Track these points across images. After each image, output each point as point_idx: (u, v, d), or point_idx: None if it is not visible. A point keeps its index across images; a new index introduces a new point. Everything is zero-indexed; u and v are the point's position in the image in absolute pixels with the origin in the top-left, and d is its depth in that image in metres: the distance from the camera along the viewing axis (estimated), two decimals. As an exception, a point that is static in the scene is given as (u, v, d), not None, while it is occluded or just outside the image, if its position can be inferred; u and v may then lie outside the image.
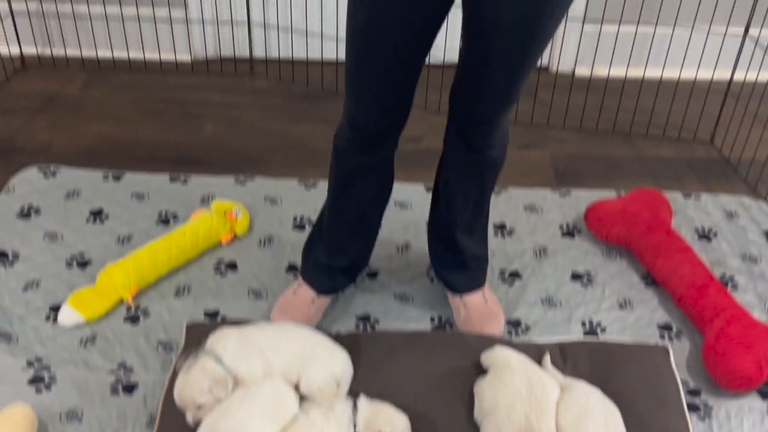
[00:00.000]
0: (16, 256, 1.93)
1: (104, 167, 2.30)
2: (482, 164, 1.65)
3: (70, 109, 2.58)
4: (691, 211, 2.17)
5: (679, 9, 2.51)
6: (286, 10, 2.76)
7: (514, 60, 1.45)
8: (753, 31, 2.49)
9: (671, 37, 2.57)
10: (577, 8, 2.69)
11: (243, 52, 2.88)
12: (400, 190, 2.20)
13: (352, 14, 1.46)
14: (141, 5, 2.74)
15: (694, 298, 1.78)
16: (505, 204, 2.20)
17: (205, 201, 2.15)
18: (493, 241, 2.06)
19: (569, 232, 2.11)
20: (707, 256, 2.03)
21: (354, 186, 1.71)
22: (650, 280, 1.95)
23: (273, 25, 2.80)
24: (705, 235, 2.10)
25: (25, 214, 2.06)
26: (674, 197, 2.22)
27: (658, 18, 2.56)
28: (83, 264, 1.92)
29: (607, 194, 2.23)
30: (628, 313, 1.86)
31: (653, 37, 2.62)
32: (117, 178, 2.21)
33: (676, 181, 2.37)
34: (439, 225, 1.79)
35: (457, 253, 1.78)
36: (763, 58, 2.51)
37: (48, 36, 2.81)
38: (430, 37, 1.49)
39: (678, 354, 1.76)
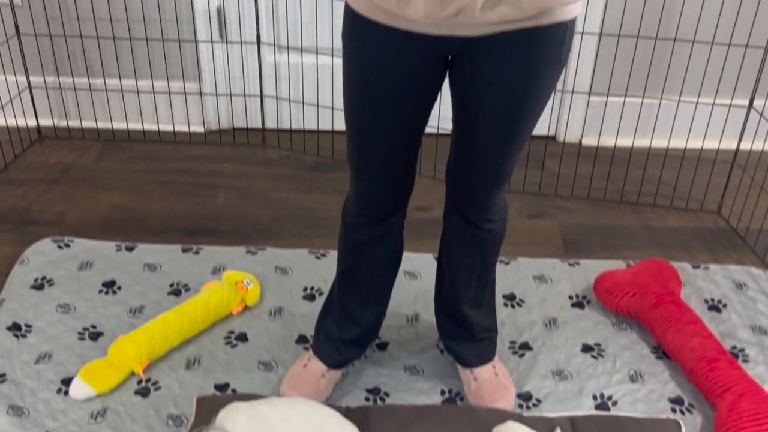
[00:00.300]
0: (29, 328, 1.95)
1: (117, 238, 2.33)
2: (482, 238, 1.67)
3: (85, 180, 2.62)
4: (700, 282, 2.18)
5: (684, 81, 2.55)
6: (298, 84, 2.82)
7: (502, 139, 1.48)
8: (758, 102, 2.53)
9: (677, 108, 2.61)
10: (583, 81, 2.74)
11: (255, 122, 2.94)
12: (410, 259, 2.22)
13: (347, 92, 1.50)
14: (156, 78, 2.81)
15: (705, 372, 1.78)
16: (515, 274, 2.21)
17: (217, 271, 2.17)
18: (503, 312, 2.07)
19: (579, 303, 2.11)
20: (717, 327, 2.02)
21: (364, 257, 1.73)
22: (661, 352, 1.95)
23: (285, 98, 2.85)
24: (714, 306, 2.10)
25: (39, 285, 2.08)
26: (683, 267, 2.22)
27: (663, 90, 2.61)
28: (95, 336, 1.94)
29: (616, 264, 2.24)
30: (640, 386, 1.86)
31: (659, 108, 2.66)
32: (130, 249, 2.24)
33: (685, 251, 2.38)
34: (445, 299, 1.80)
35: (465, 326, 1.79)
36: (768, 129, 2.55)
37: (64, 108, 2.87)
38: (425, 111, 1.52)
39: (690, 428, 1.75)
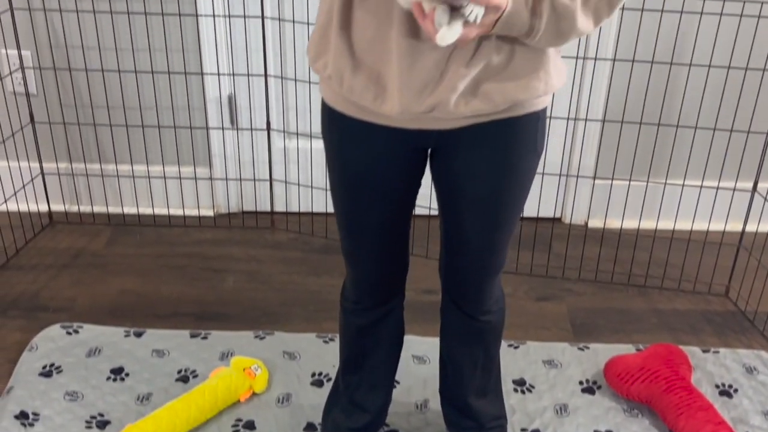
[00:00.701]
0: (36, 416, 1.94)
1: (127, 323, 2.34)
2: (481, 330, 1.67)
3: (95, 264, 2.64)
4: (711, 366, 2.16)
5: (687, 165, 2.59)
6: (307, 168, 2.87)
7: (487, 229, 1.50)
8: (762, 185, 2.55)
9: (681, 191, 2.63)
10: (588, 165, 2.77)
11: (264, 206, 2.97)
12: (417, 343, 2.21)
13: (332, 184, 1.53)
14: (167, 164, 2.85)
15: (719, 460, 1.76)
16: (524, 359, 2.20)
17: (225, 357, 2.17)
18: (513, 398, 2.05)
19: (589, 388, 2.10)
20: (728, 413, 2.00)
21: (366, 342, 1.73)
22: (673, 439, 1.92)
23: (294, 182, 2.89)
24: (725, 392, 2.08)
25: (47, 372, 2.08)
26: (692, 351, 2.21)
27: (667, 174, 2.64)
28: (102, 424, 1.93)
29: (625, 348, 2.24)
30: (653, 474, 1.83)
31: (663, 191, 2.69)
32: (138, 335, 2.24)
33: (694, 334, 2.37)
34: (450, 392, 1.79)
35: (473, 417, 1.77)
36: (772, 212, 2.57)
37: (76, 193, 2.91)
38: (410, 198, 1.55)
39: None
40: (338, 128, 1.46)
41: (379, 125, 1.38)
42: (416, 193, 1.55)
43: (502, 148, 1.40)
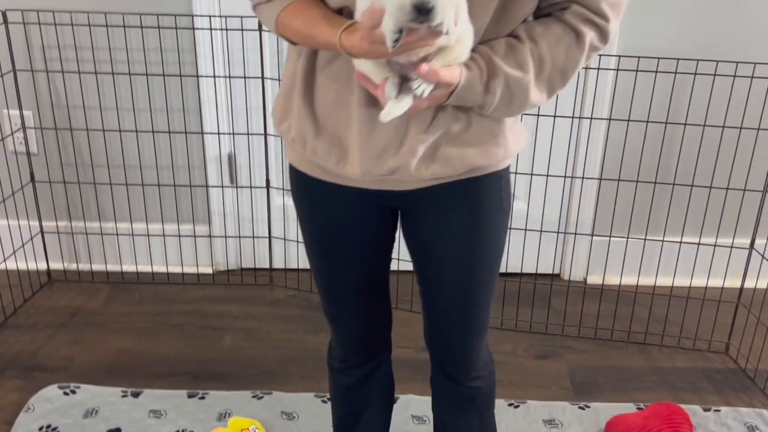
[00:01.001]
0: (31, 480, 1.92)
1: (124, 383, 2.32)
2: (471, 397, 1.65)
3: (93, 323, 2.63)
4: (712, 425, 2.15)
5: (684, 222, 2.60)
6: (305, 225, 2.88)
7: (463, 289, 1.50)
8: (759, 242, 2.56)
9: (679, 248, 2.64)
10: (585, 221, 2.79)
11: (263, 263, 2.98)
12: (417, 403, 2.20)
13: (306, 247, 1.55)
14: (167, 222, 2.86)
15: None
16: (525, 419, 2.18)
17: (223, 418, 2.15)
18: (513, 460, 2.03)
19: (590, 449, 2.08)
20: (733, 474, 1.98)
21: (357, 399, 1.72)
22: (676, 501, 1.90)
23: (293, 239, 2.90)
24: (729, 452, 2.06)
25: (43, 434, 2.06)
26: (693, 410, 2.20)
27: (665, 231, 2.65)
28: (98, 488, 1.90)
29: (626, 407, 2.22)
30: None
31: (661, 248, 2.70)
32: (135, 395, 2.22)
33: (694, 392, 2.35)
34: None
35: None
36: (770, 269, 2.58)
37: (75, 252, 2.92)
38: (384, 254, 1.56)
39: None
40: (305, 190, 1.48)
41: (344, 186, 1.41)
42: (389, 251, 1.57)
43: (467, 208, 1.42)
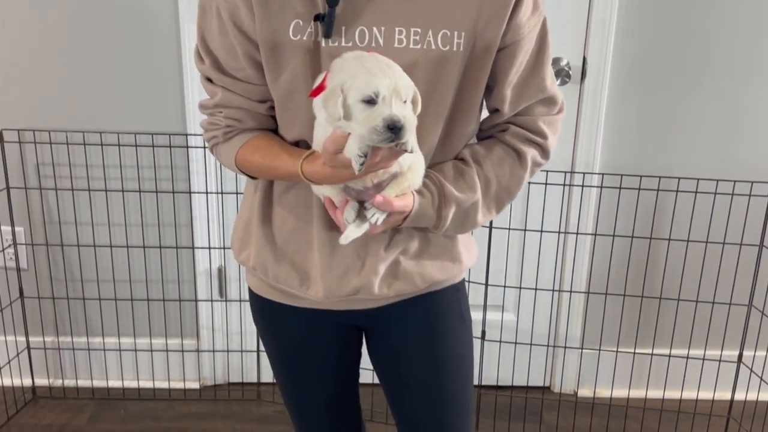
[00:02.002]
0: None
1: (108, 507, 2.26)
2: None
3: (78, 442, 2.58)
4: None
5: (672, 335, 2.62)
6: (294, 339, 2.87)
7: (435, 409, 1.49)
8: (748, 353, 2.58)
9: (668, 361, 2.65)
10: (574, 335, 2.80)
11: (251, 377, 2.95)
12: None
13: (273, 368, 1.58)
14: (155, 336, 2.85)
15: None
16: None
17: None
18: None
19: None
20: None
21: None
22: None
23: (281, 353, 2.89)
24: None
25: None
26: None
27: (653, 344, 2.66)
28: None
29: None
30: None
31: (651, 360, 2.70)
32: None
33: None
34: None
35: None
36: (760, 384, 2.58)
37: (61, 368, 2.88)
38: (351, 371, 1.58)
39: None
40: (268, 315, 1.51)
41: (308, 309, 1.45)
42: (357, 368, 1.60)
43: (429, 320, 1.47)
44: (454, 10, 1.26)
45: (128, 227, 2.72)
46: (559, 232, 2.62)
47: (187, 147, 2.62)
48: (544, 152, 1.41)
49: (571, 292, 2.71)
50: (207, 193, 2.68)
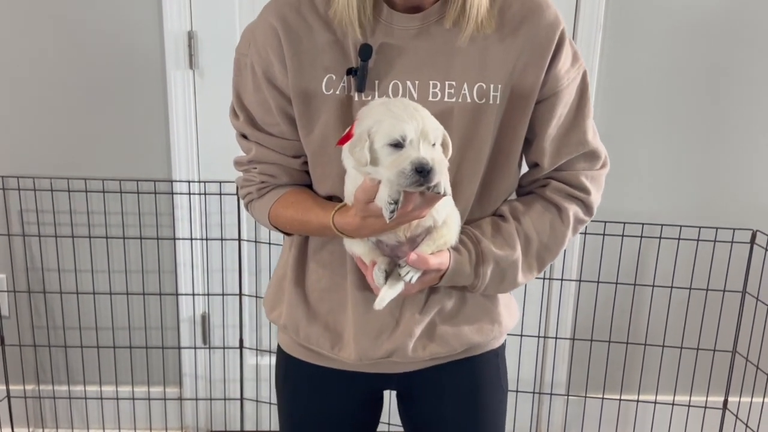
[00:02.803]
0: None
1: None
2: None
3: (57, 494, 2.53)
4: None
5: (658, 382, 2.62)
6: (279, 386, 2.85)
7: None
8: (733, 399, 2.59)
9: (654, 407, 2.65)
10: (560, 382, 2.79)
11: (234, 425, 2.91)
12: None
13: (285, 424, 1.52)
14: (137, 384, 2.81)
15: None
16: None
17: None
18: None
19: None
20: None
21: None
22: None
23: (265, 400, 2.86)
24: None
25: None
26: None
27: (639, 389, 2.66)
28: None
29: None
30: None
31: (637, 407, 2.70)
32: None
33: None
34: None
35: None
36: (746, 430, 2.58)
37: (41, 416, 2.84)
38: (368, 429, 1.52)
39: None
40: (297, 375, 1.46)
41: (338, 370, 1.41)
42: (375, 429, 1.54)
43: (467, 389, 1.42)
44: (489, 63, 1.25)
45: (112, 274, 2.70)
46: (543, 278, 2.63)
47: (173, 193, 2.62)
48: (587, 208, 1.36)
49: (556, 338, 2.71)
50: (192, 239, 2.68)
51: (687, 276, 2.53)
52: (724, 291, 2.50)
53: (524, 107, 1.27)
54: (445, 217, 1.23)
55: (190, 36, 2.49)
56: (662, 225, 2.45)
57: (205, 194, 2.62)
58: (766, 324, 2.47)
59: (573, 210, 1.34)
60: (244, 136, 1.36)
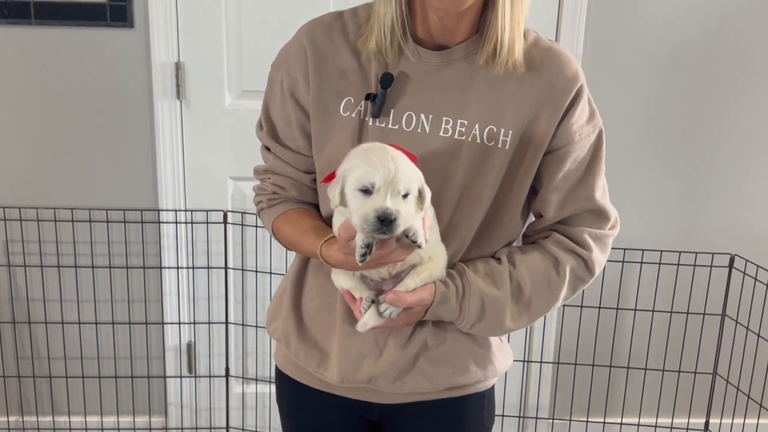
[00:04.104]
0: None
1: None
2: None
3: None
4: None
5: (641, 404, 2.66)
6: (265, 413, 2.85)
7: None
8: (714, 421, 2.63)
9: (637, 429, 2.69)
10: (544, 405, 2.82)
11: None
12: None
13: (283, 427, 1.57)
14: (122, 414, 2.80)
15: None
16: None
17: None
18: None
19: None
20: None
21: None
22: None
23: (251, 428, 2.86)
24: None
25: None
26: None
27: (623, 412, 2.70)
28: None
29: None
30: None
31: (620, 429, 2.74)
32: None
33: None
34: None
35: None
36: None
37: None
38: None
39: None
40: (287, 392, 1.51)
41: (324, 392, 1.44)
42: None
43: (449, 429, 1.43)
44: (504, 108, 1.28)
45: (97, 303, 2.69)
46: (528, 304, 2.66)
47: (159, 222, 2.63)
48: (587, 266, 1.35)
49: (541, 362, 2.75)
50: (178, 268, 2.68)
51: (668, 300, 2.58)
52: (704, 314, 2.55)
53: (533, 156, 1.30)
54: (431, 253, 1.26)
55: (178, 66, 2.51)
56: (643, 250, 2.50)
57: (192, 223, 2.63)
58: (745, 346, 2.52)
59: (570, 264, 1.33)
60: (267, 148, 1.43)
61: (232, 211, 2.59)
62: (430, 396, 1.39)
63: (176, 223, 2.62)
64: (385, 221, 1.10)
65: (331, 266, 1.28)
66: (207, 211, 2.59)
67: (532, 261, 1.34)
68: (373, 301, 1.27)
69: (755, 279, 2.43)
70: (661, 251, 2.50)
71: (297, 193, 1.41)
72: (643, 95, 2.58)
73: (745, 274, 2.47)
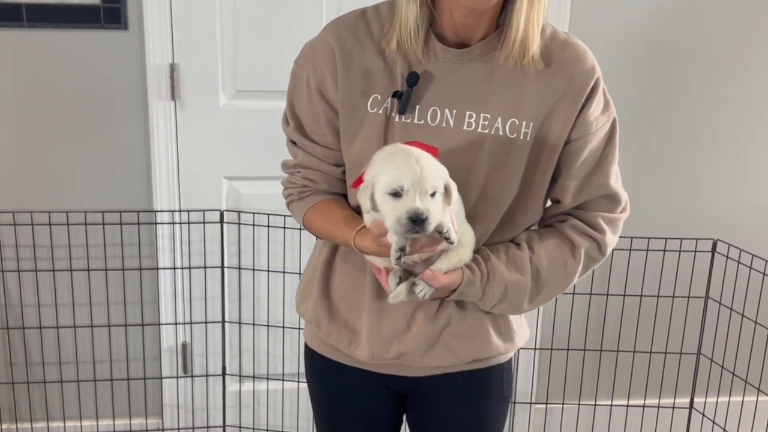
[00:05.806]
0: None
1: None
2: None
3: None
4: None
5: (630, 385, 2.77)
6: (262, 411, 2.86)
7: None
8: (699, 400, 2.74)
9: (626, 410, 2.79)
10: (539, 389, 2.90)
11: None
12: None
13: (316, 421, 1.64)
14: (118, 417, 2.78)
15: None
16: None
17: None
18: None
19: None
20: None
21: None
22: None
23: (248, 426, 2.87)
24: None
25: None
26: None
27: (612, 394, 2.80)
28: None
29: None
30: None
31: (611, 410, 2.83)
32: None
33: None
34: None
35: None
36: (713, 427, 2.75)
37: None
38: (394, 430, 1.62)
39: None
40: (318, 368, 1.57)
41: (354, 368, 1.50)
42: (399, 428, 1.63)
43: (472, 399, 1.51)
44: (525, 101, 1.35)
45: (93, 306, 2.67)
46: (520, 293, 2.73)
47: (155, 223, 2.62)
48: (600, 248, 1.43)
49: (535, 348, 2.83)
50: (174, 268, 2.68)
51: (655, 285, 2.68)
52: (689, 297, 2.67)
53: (553, 147, 1.37)
54: (461, 238, 1.32)
55: (173, 68, 2.51)
56: (632, 237, 2.59)
57: (188, 223, 2.63)
58: (729, 325, 2.64)
59: (585, 247, 1.41)
60: (293, 143, 1.47)
61: (228, 211, 2.61)
62: (454, 368, 1.48)
63: (172, 223, 2.62)
64: (417, 221, 1.16)
65: (364, 254, 1.34)
66: (203, 210, 2.60)
67: (550, 246, 1.41)
68: (400, 278, 1.34)
69: (738, 262, 2.55)
70: (649, 238, 2.60)
71: (327, 186, 1.47)
72: (623, 86, 2.65)
73: (727, 258, 2.59)
